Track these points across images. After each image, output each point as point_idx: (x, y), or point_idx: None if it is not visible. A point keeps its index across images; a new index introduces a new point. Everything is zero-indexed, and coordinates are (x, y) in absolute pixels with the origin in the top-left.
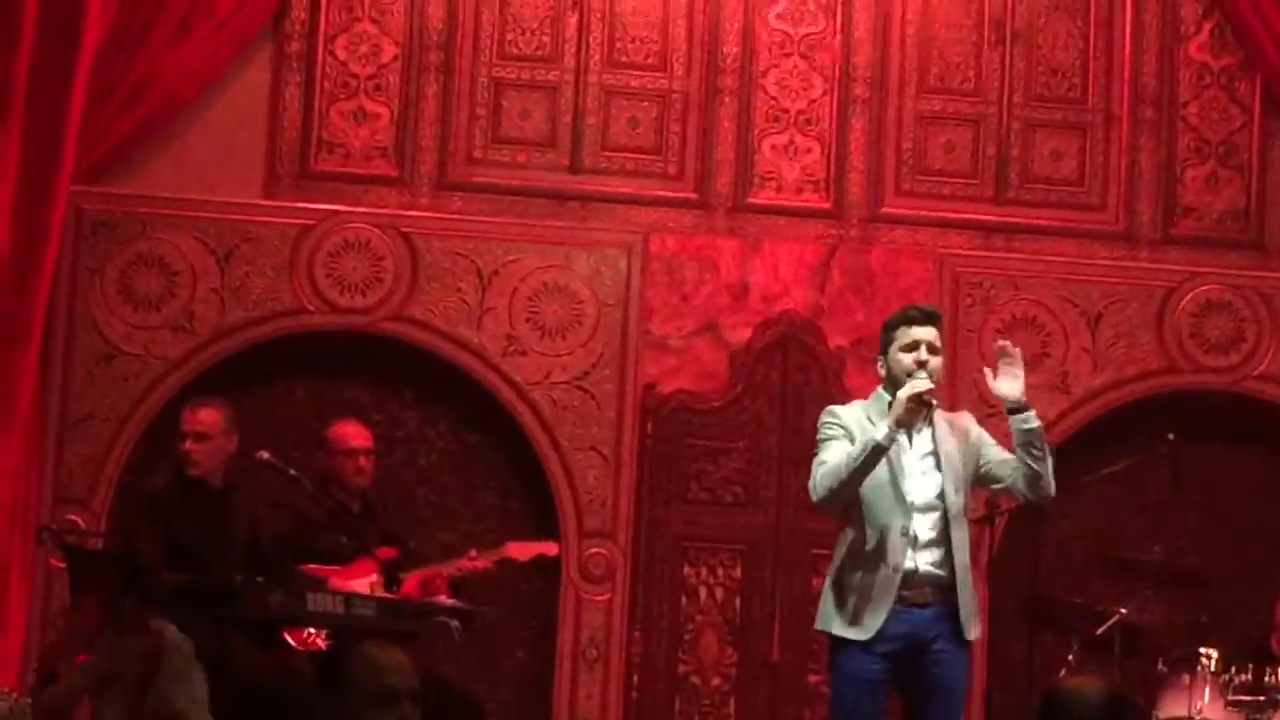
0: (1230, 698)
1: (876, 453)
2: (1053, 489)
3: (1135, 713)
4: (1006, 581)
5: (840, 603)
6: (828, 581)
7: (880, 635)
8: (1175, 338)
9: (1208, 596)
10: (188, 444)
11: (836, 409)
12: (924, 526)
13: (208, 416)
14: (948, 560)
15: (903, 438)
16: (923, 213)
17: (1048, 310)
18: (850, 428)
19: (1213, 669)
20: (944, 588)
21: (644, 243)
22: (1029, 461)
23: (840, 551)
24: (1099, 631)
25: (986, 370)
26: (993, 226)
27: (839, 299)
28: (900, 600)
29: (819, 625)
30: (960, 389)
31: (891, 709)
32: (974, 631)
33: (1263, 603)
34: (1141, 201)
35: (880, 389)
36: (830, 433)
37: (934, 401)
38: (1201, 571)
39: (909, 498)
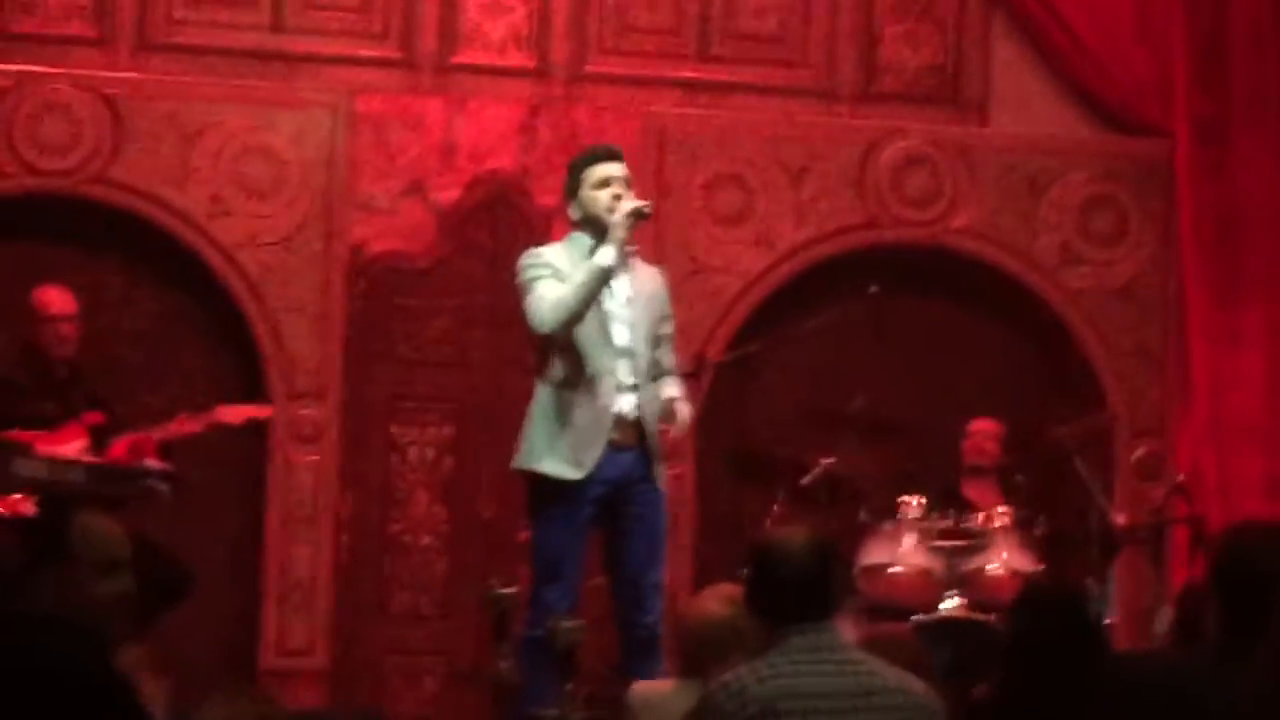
0: (931, 543)
1: (604, 276)
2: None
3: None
4: (713, 434)
5: (551, 442)
6: (532, 420)
7: (591, 477)
8: (876, 192)
9: (909, 446)
10: None
11: (538, 250)
12: (625, 370)
13: None
14: (642, 406)
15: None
16: (627, 71)
17: (752, 166)
18: (556, 265)
19: (914, 515)
20: (641, 432)
21: (349, 103)
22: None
23: (544, 391)
24: (804, 482)
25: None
26: (697, 84)
27: (545, 158)
28: (608, 442)
29: (523, 464)
30: (668, 249)
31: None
32: (663, 479)
33: (960, 450)
34: (841, 57)
35: (574, 233)
36: (537, 273)
37: (648, 212)
38: (903, 421)
39: (615, 341)
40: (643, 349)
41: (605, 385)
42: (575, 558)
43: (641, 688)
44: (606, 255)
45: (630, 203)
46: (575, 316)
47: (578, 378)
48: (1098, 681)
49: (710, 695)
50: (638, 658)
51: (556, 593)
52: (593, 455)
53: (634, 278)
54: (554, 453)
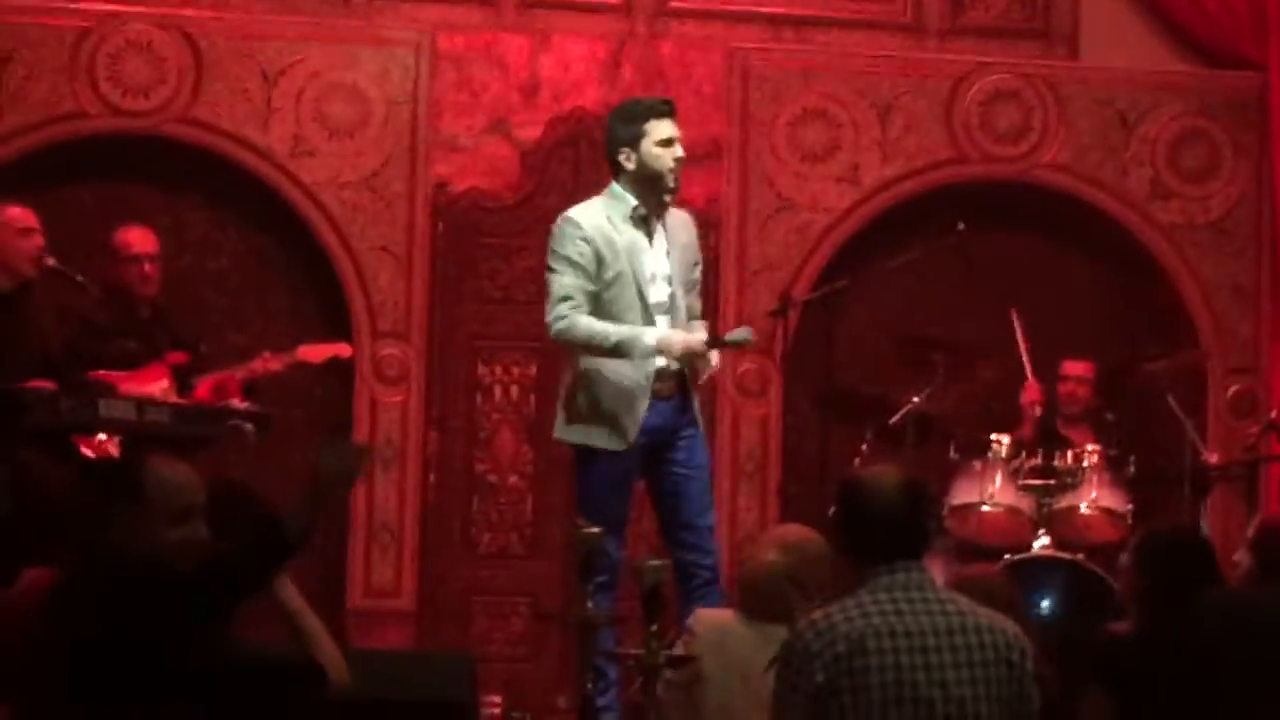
0: (1021, 482)
1: (627, 354)
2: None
3: (928, 499)
4: (800, 374)
5: (591, 412)
6: (570, 388)
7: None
8: (964, 128)
9: (998, 385)
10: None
11: (576, 216)
12: (664, 325)
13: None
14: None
15: (644, 242)
16: (711, 6)
17: (838, 102)
18: (596, 243)
19: (1003, 455)
20: (680, 379)
21: (431, 40)
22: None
23: (581, 358)
24: (892, 421)
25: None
26: (781, 19)
27: (629, 95)
28: (653, 394)
29: (565, 437)
30: (752, 183)
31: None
32: (700, 418)
33: (1052, 388)
34: None
35: (617, 185)
36: (572, 253)
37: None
38: (992, 359)
39: (650, 299)
40: (680, 299)
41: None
42: (624, 506)
43: (705, 614)
44: (644, 343)
45: (739, 334)
46: (578, 350)
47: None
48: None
49: (799, 634)
50: (701, 601)
51: (612, 543)
52: (635, 420)
53: (668, 229)
54: (597, 422)
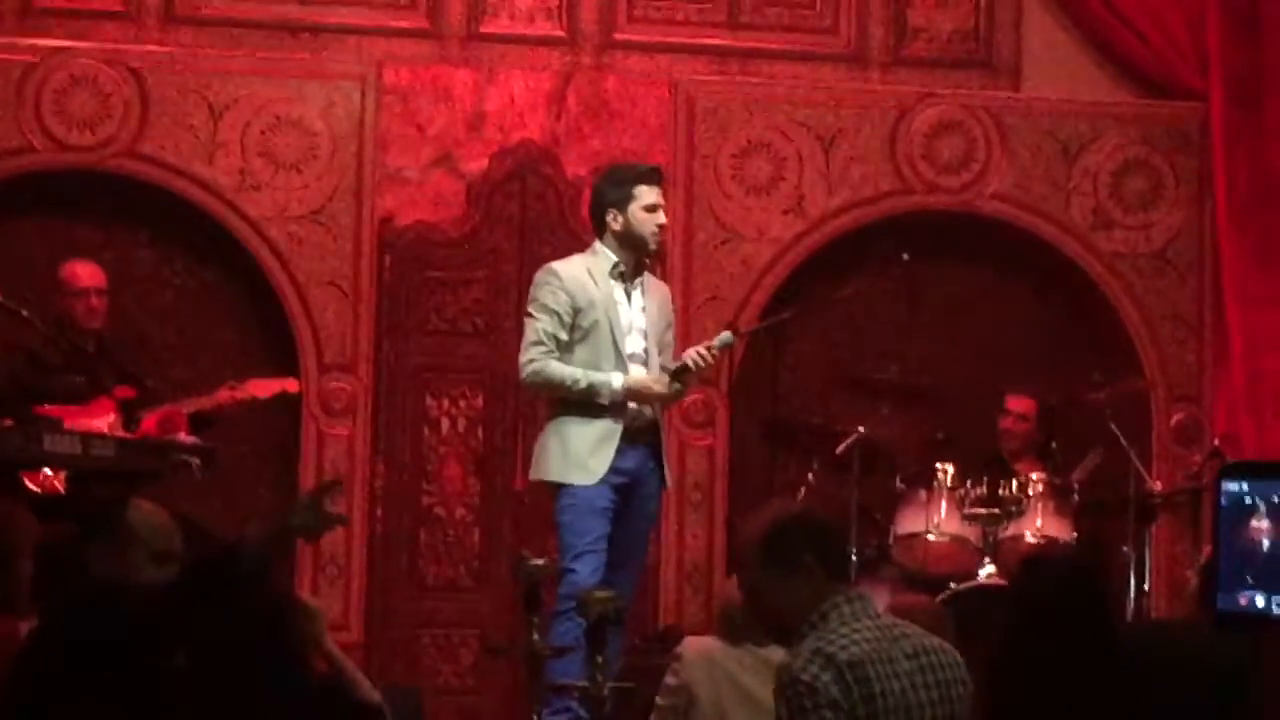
0: (966, 511)
1: (595, 396)
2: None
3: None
4: (746, 403)
5: (563, 451)
6: (546, 433)
7: (608, 471)
8: (908, 158)
9: (943, 413)
10: None
11: (557, 268)
12: (639, 375)
13: None
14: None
15: (621, 296)
16: (656, 39)
17: (782, 134)
18: (573, 293)
19: (949, 483)
20: (652, 430)
21: (377, 74)
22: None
23: (552, 403)
24: (838, 450)
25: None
26: (726, 51)
27: (575, 128)
28: (623, 437)
29: (539, 476)
30: (697, 215)
31: None
32: (669, 476)
33: (995, 417)
34: (873, 23)
35: (601, 244)
36: (550, 299)
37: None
38: (936, 388)
39: (626, 350)
40: (654, 354)
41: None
42: (602, 535)
43: (692, 641)
44: (610, 387)
45: (721, 338)
46: (552, 395)
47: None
48: (1102, 650)
49: (800, 672)
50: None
51: (587, 568)
52: (604, 460)
53: (646, 288)
54: (568, 462)
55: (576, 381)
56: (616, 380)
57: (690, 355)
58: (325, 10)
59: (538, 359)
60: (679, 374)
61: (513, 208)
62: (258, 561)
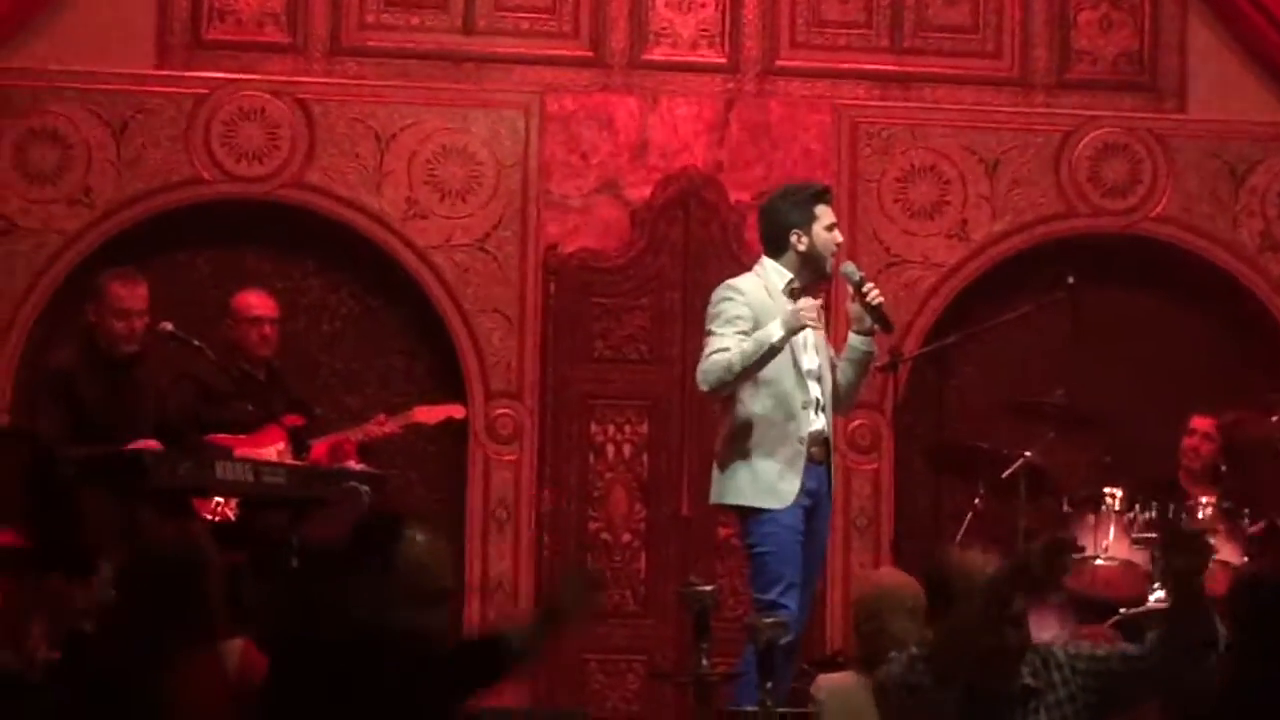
0: (1135, 535)
1: (771, 353)
2: (849, 410)
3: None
4: (911, 428)
5: (752, 475)
6: (729, 452)
7: (797, 492)
8: (1073, 182)
9: (1110, 437)
10: (131, 322)
11: (737, 283)
12: (816, 390)
13: (143, 291)
14: (830, 423)
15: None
16: (819, 64)
17: (945, 158)
18: (752, 303)
19: (1117, 508)
20: (826, 446)
21: (540, 102)
22: (853, 378)
23: (739, 422)
24: (1004, 475)
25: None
26: (889, 76)
27: (738, 153)
28: (808, 458)
29: (725, 500)
30: (860, 240)
31: None
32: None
33: (1164, 441)
34: (1036, 46)
35: (772, 263)
36: (733, 311)
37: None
38: (1103, 412)
39: (805, 366)
40: (829, 370)
41: (800, 411)
42: (798, 560)
43: (824, 680)
44: (777, 334)
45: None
46: (736, 381)
47: (773, 405)
48: None
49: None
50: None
51: (789, 597)
52: (794, 482)
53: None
54: (758, 486)
55: (743, 349)
56: (774, 327)
57: (873, 296)
58: (489, 40)
59: (713, 356)
60: (880, 318)
61: (676, 234)
62: (527, 647)
